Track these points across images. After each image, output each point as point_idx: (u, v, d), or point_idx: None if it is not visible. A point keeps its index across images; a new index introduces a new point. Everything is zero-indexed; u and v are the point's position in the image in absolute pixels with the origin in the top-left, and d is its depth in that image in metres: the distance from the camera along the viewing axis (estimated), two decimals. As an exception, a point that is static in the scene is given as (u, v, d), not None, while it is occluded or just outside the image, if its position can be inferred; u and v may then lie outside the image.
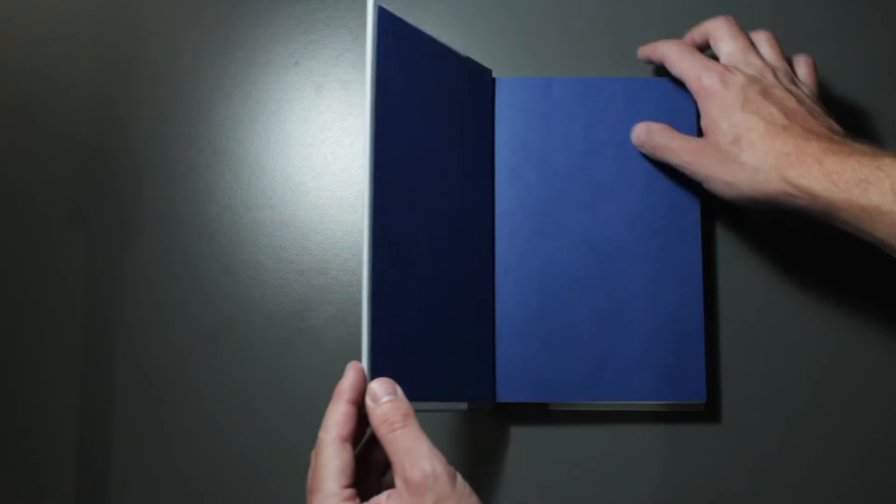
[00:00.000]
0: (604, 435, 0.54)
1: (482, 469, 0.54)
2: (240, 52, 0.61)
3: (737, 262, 0.55)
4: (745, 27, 0.52)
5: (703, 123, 0.49)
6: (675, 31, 0.59)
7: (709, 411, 0.54)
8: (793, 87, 0.48)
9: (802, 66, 0.52)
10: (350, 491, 0.40)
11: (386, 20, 0.46)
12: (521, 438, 0.54)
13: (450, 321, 0.49)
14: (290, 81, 0.60)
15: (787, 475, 0.53)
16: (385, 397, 0.42)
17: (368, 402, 0.42)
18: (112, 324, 0.57)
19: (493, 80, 0.55)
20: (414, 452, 0.39)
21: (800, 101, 0.47)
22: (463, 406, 0.50)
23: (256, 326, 0.57)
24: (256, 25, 0.61)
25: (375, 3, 0.46)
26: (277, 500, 0.54)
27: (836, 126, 0.47)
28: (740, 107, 0.47)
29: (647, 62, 0.55)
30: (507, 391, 0.52)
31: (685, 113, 0.53)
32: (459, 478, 0.40)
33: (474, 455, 0.54)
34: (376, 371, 0.43)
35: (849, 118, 0.57)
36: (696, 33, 0.53)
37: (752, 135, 0.46)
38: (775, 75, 0.49)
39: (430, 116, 0.50)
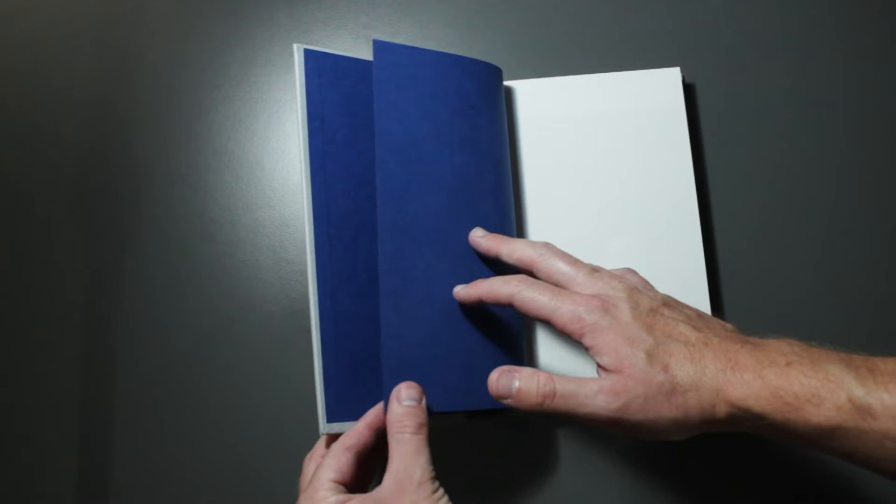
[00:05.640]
0: (617, 434, 0.54)
1: (496, 474, 0.54)
2: (240, 52, 0.61)
3: (737, 255, 0.56)
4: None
5: (609, 362, 0.41)
6: (674, 28, 0.59)
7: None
8: (659, 296, 0.45)
9: (632, 277, 0.47)
10: (339, 486, 0.43)
11: (313, 60, 0.48)
12: (535, 441, 0.54)
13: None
14: (290, 81, 0.60)
15: (806, 463, 0.53)
16: (407, 401, 0.44)
17: (391, 399, 0.44)
18: (112, 324, 0.57)
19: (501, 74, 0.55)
20: (412, 458, 0.42)
21: (681, 309, 0.44)
22: (462, 419, 0.50)
23: (256, 326, 0.57)
24: (256, 25, 0.61)
25: (300, 47, 0.48)
26: (277, 500, 0.54)
27: (727, 324, 0.44)
28: (646, 332, 0.41)
29: (473, 304, 0.47)
30: None
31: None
32: (440, 492, 0.42)
33: (488, 460, 0.54)
34: (330, 390, 0.45)
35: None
36: (527, 259, 0.46)
37: (677, 358, 0.40)
38: (638, 288, 0.44)
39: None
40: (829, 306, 0.55)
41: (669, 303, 0.44)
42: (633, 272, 0.47)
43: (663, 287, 0.52)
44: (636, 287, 0.44)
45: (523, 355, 0.51)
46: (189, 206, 0.59)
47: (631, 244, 0.53)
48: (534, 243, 0.46)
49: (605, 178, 0.54)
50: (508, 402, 0.43)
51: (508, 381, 0.43)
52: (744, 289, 0.55)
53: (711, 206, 0.56)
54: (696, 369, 0.40)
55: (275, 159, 0.59)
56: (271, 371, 0.56)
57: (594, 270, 0.45)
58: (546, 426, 0.54)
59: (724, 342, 0.40)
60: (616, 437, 0.54)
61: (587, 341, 0.41)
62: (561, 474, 0.54)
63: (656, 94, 0.54)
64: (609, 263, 0.53)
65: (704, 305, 0.52)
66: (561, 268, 0.45)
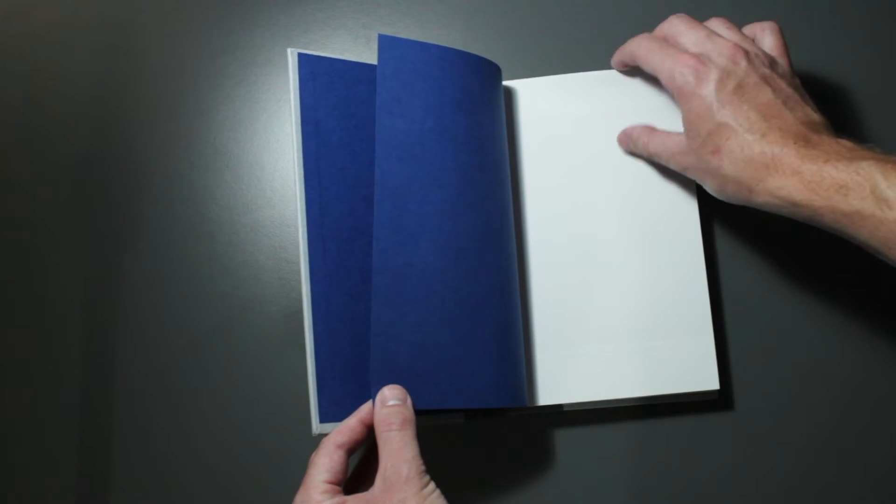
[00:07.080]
0: (618, 433, 0.54)
1: (495, 473, 0.54)
2: (240, 52, 0.61)
3: (736, 254, 0.55)
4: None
5: (684, 125, 0.48)
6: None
7: (721, 399, 0.54)
8: (766, 71, 0.47)
9: (768, 37, 0.50)
10: (332, 486, 0.43)
11: (307, 64, 0.48)
12: (539, 442, 0.54)
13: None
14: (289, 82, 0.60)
15: (804, 459, 0.53)
16: (392, 401, 0.45)
17: (376, 403, 0.45)
18: (112, 324, 0.57)
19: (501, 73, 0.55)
20: (398, 455, 0.43)
21: (776, 90, 0.46)
22: (459, 418, 0.51)
23: (256, 326, 0.57)
24: (256, 25, 0.61)
25: (294, 51, 0.48)
26: (277, 500, 0.54)
27: (813, 115, 0.46)
28: (716, 110, 0.46)
29: (623, 68, 0.55)
30: (523, 396, 0.51)
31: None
32: (430, 486, 0.42)
33: (486, 460, 0.54)
34: (323, 390, 0.45)
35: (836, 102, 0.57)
36: (657, 33, 0.52)
37: (730, 143, 0.45)
38: (748, 57, 0.47)
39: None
40: (829, 306, 0.55)
41: (767, 78, 0.47)
42: (770, 30, 0.51)
43: (663, 286, 0.52)
44: (745, 56, 0.47)
45: (521, 356, 0.51)
46: (189, 206, 0.59)
47: (631, 243, 0.53)
48: (671, 18, 0.51)
49: (605, 177, 0.54)
50: (625, 142, 0.54)
51: (632, 131, 0.53)
52: (744, 287, 0.55)
53: (711, 205, 0.56)
54: (743, 158, 0.44)
55: (275, 159, 0.59)
56: (271, 371, 0.56)
57: (712, 33, 0.49)
58: (545, 426, 0.54)
59: (782, 137, 0.44)
60: (614, 435, 0.54)
61: (676, 101, 0.48)
62: (559, 474, 0.54)
63: (656, 93, 0.54)
64: (608, 262, 0.53)
65: (704, 305, 0.52)
66: (680, 28, 0.50)
